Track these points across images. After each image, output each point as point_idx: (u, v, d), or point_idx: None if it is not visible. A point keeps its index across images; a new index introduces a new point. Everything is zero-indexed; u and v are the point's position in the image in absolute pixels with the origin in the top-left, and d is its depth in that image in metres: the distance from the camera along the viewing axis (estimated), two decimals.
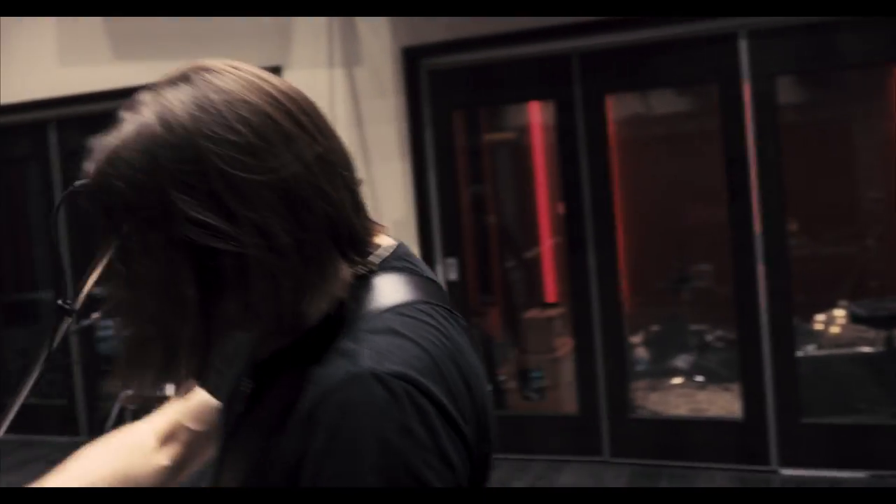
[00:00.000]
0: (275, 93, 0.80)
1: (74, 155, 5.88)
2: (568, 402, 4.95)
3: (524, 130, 5.71)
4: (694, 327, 5.83)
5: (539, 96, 4.85)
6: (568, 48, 4.60)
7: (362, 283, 0.82)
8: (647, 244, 5.67)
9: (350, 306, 0.80)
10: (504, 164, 5.80)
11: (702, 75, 4.48)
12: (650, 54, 4.49)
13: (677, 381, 5.51)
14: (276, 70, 5.07)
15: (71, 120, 5.80)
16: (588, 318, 4.72)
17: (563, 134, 4.71)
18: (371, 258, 0.85)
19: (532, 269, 5.77)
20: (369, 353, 0.74)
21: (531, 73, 4.74)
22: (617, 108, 4.87)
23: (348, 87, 5.05)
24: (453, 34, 4.75)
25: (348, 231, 0.80)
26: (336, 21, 5.01)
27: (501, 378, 5.40)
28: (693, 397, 5.36)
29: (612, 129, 4.71)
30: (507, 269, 5.64)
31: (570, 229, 4.75)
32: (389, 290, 0.81)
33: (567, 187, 4.73)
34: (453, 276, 4.98)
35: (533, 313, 5.54)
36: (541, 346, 5.33)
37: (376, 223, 0.91)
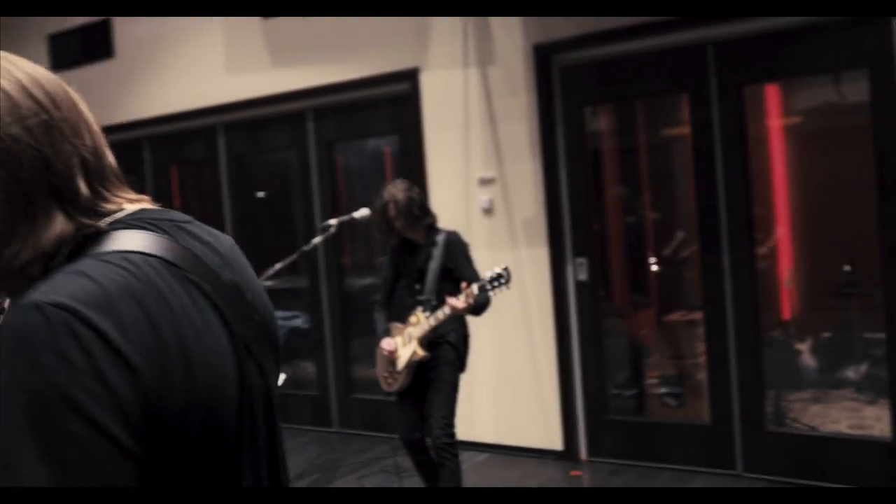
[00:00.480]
0: (15, 72, 0.88)
1: (241, 157, 6.34)
2: (704, 410, 4.71)
3: (665, 126, 5.48)
4: (868, 335, 5.36)
5: (672, 90, 4.64)
6: (702, 38, 4.38)
7: (91, 239, 0.89)
8: (815, 245, 5.27)
9: (65, 258, 0.87)
10: (652, 162, 5.59)
11: (849, 62, 4.11)
12: (791, 41, 4.18)
13: (844, 392, 5.09)
14: (414, 71, 5.22)
15: (236, 124, 6.26)
16: (722, 323, 4.48)
17: (698, 129, 4.48)
18: (107, 218, 0.91)
19: (677, 271, 5.53)
20: (43, 289, 0.80)
21: (664, 65, 4.56)
22: (754, 100, 4.57)
23: (482, 86, 5.09)
24: (583, 29, 4.66)
25: (70, 190, 0.88)
26: (471, 21, 5.06)
27: (647, 382, 5.23)
28: (859, 412, 4.93)
29: (751, 122, 4.43)
30: (646, 270, 5.44)
31: (705, 229, 4.52)
32: (107, 243, 0.87)
33: (701, 185, 4.51)
34: (583, 276, 4.88)
35: (675, 316, 5.31)
36: (682, 350, 5.12)
37: (130, 191, 0.99)
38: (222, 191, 6.39)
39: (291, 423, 6.11)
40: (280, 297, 6.48)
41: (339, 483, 4.78)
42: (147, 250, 0.88)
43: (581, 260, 4.89)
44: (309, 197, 5.88)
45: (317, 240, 3.79)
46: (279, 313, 6.63)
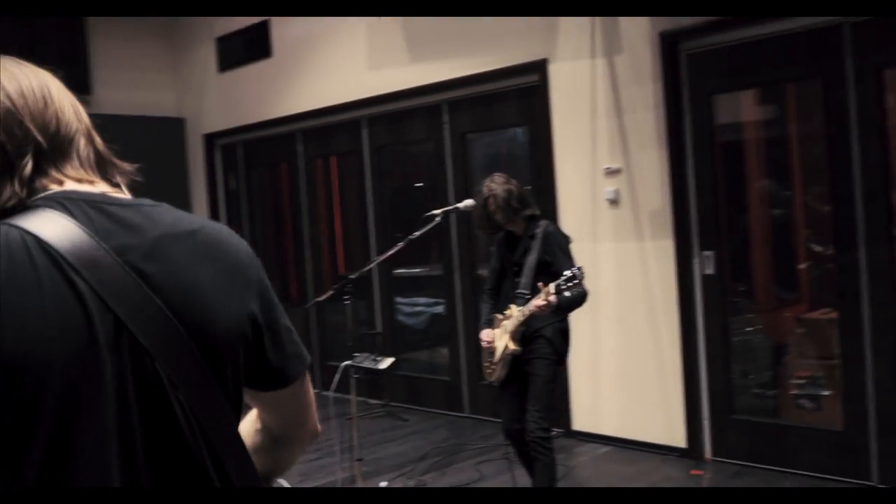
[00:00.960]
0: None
1: (382, 148, 6.58)
2: (838, 414, 4.43)
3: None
4: None
5: (804, 75, 4.38)
6: (837, 18, 4.11)
7: (10, 210, 1.01)
8: None
9: None
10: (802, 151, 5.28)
11: None
12: None
13: None
14: (542, 62, 5.22)
15: (378, 117, 6.51)
16: (857, 323, 4.20)
17: (832, 115, 4.21)
18: (39, 194, 1.03)
19: (819, 266, 5.21)
20: None
21: (796, 48, 4.31)
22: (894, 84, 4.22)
23: (608, 75, 5.02)
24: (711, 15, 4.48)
25: (19, 168, 1.02)
26: None
27: (782, 382, 4.98)
28: None
29: (893, 107, 4.11)
30: (783, 265, 5.16)
31: (838, 222, 4.24)
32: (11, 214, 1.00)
33: (835, 175, 4.23)
34: (710, 270, 4.72)
35: (816, 313, 5.01)
36: (819, 350, 4.83)
37: (90, 173, 1.09)
38: (366, 181, 6.67)
39: (425, 406, 6.31)
40: (419, 285, 6.69)
41: (456, 466, 4.91)
42: (19, 225, 0.97)
43: (708, 253, 4.73)
44: (444, 187, 6.03)
45: (421, 231, 3.90)
46: (421, 300, 6.85)
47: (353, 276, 3.93)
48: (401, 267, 6.82)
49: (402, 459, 5.10)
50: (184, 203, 8.19)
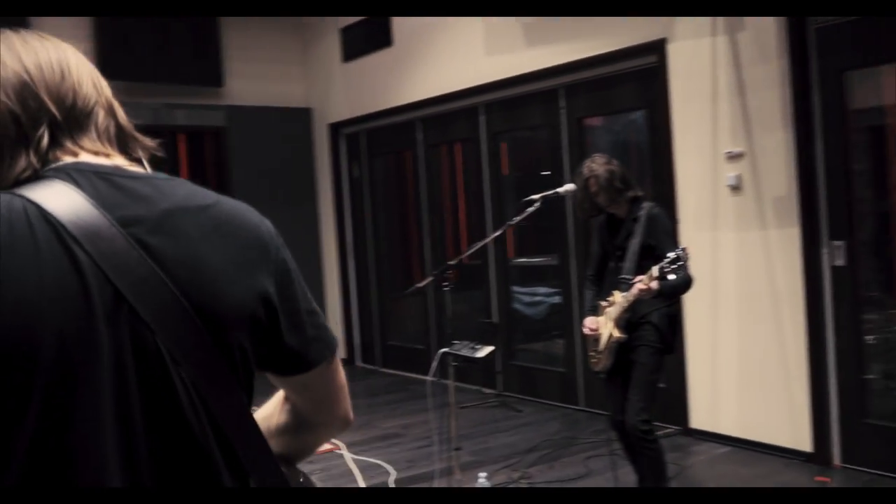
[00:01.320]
0: (19, 49, 1.05)
1: (499, 135, 6.50)
2: None
3: None
4: None
5: None
6: None
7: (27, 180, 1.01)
8: None
9: None
10: None
11: None
12: None
13: None
14: (661, 42, 4.99)
15: (495, 103, 6.43)
16: None
17: None
18: (51, 165, 1.02)
19: None
20: None
21: None
22: None
23: (730, 53, 4.73)
24: None
25: (35, 139, 1.02)
26: None
27: None
28: None
29: None
30: None
31: None
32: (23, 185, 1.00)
33: None
34: (840, 261, 4.37)
35: None
36: None
37: (106, 146, 1.08)
38: (483, 168, 6.61)
39: (540, 397, 6.20)
40: (539, 275, 6.58)
41: (564, 460, 4.79)
42: (22, 194, 0.97)
43: (838, 243, 4.37)
44: (560, 173, 5.88)
45: (519, 217, 3.80)
46: (541, 290, 6.73)
47: (452, 263, 3.88)
48: (523, 256, 6.73)
49: (509, 451, 5.02)
50: (310, 192, 8.41)
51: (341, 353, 8.27)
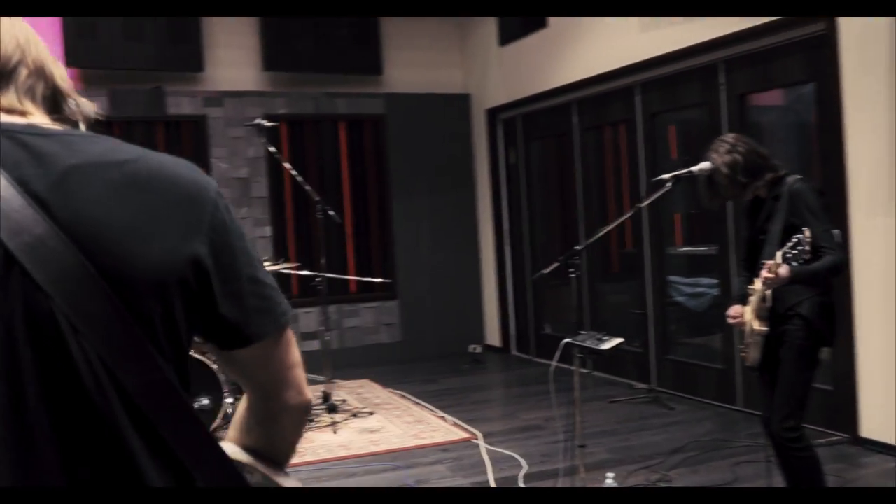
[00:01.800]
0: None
1: (655, 116, 6.15)
2: None
3: None
4: None
5: None
6: None
7: None
8: None
9: None
10: None
11: None
12: None
13: None
14: None
15: (651, 82, 6.07)
16: None
17: None
18: None
19: None
20: None
21: None
22: None
23: None
24: None
25: None
26: None
27: None
28: None
29: None
30: None
31: None
32: None
33: None
34: None
35: None
36: None
37: (26, 105, 1.01)
38: (638, 151, 6.27)
39: (694, 394, 5.82)
40: (703, 265, 6.17)
41: (712, 464, 4.43)
42: None
43: None
44: None
45: (649, 199, 3.52)
46: (704, 281, 6.31)
47: (579, 248, 3.67)
48: (690, 244, 6.35)
49: (653, 451, 4.73)
50: (467, 179, 8.37)
51: (496, 340, 8.18)
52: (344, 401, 6.18)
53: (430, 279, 8.20)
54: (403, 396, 6.34)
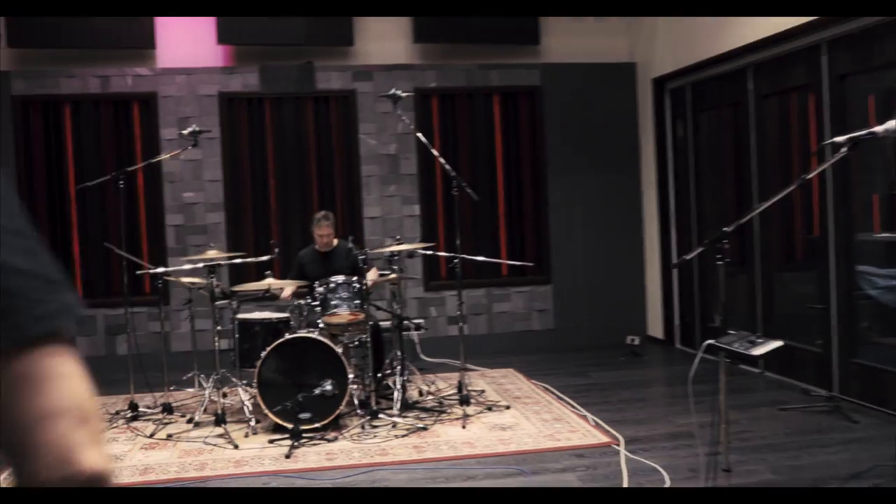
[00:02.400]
0: None
1: (844, 78, 5.27)
2: None
3: None
4: None
5: None
6: None
7: None
8: None
9: None
10: None
11: None
12: None
13: None
14: None
15: (841, 39, 5.18)
16: None
17: None
18: None
19: None
20: None
21: None
22: None
23: None
24: None
25: None
26: None
27: None
28: None
29: None
30: None
31: None
32: None
33: None
34: None
35: None
36: None
37: None
38: (824, 120, 5.40)
39: (884, 406, 4.94)
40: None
41: None
42: None
43: None
44: None
45: (819, 168, 2.83)
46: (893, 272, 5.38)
47: (728, 230, 3.04)
48: (886, 230, 5.43)
49: (825, 473, 3.98)
50: (630, 154, 7.70)
51: (658, 331, 7.50)
52: (482, 391, 5.78)
53: (588, 263, 7.64)
54: (546, 389, 5.85)
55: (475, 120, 7.58)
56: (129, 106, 7.14)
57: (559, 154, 7.59)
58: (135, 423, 5.17)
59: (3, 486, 0.73)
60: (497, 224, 7.64)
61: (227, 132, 7.18)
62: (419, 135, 5.66)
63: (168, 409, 5.23)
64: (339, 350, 4.91)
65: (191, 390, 5.65)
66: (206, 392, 5.19)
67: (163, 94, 7.08)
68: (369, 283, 5.31)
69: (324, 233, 5.72)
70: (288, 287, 5.60)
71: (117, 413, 5.39)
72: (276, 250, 5.16)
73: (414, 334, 7.18)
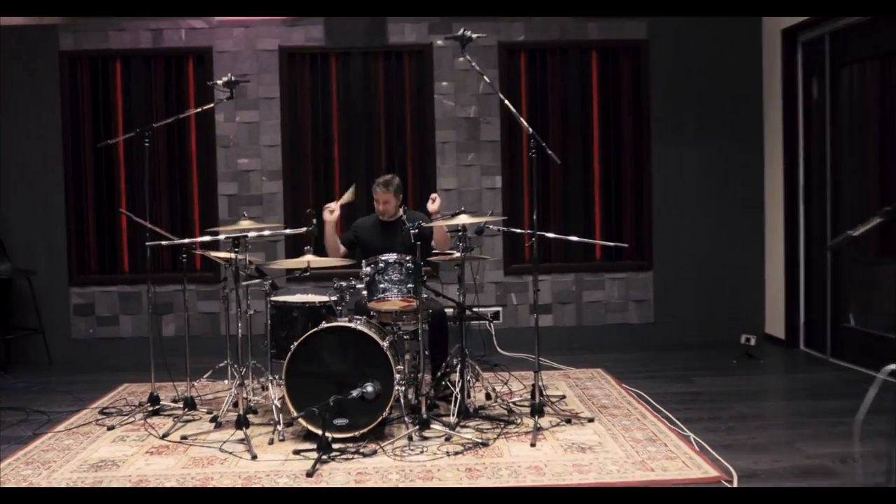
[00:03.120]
0: None
1: None
2: None
3: None
4: None
5: None
6: None
7: None
8: None
9: None
10: None
11: None
12: None
13: None
14: None
15: None
16: None
17: None
18: None
19: None
20: None
21: None
22: None
23: None
24: None
25: None
26: None
27: None
28: None
29: None
30: None
31: None
32: None
33: None
34: None
35: None
36: None
37: None
38: None
39: None
40: None
41: None
42: None
43: None
44: None
45: None
46: None
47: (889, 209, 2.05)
48: None
49: None
50: (752, 119, 6.56)
51: (778, 330, 6.37)
52: (561, 397, 4.84)
53: (696, 246, 6.57)
54: (640, 398, 4.86)
55: (568, 79, 6.57)
56: (182, 62, 6.48)
57: (666, 120, 6.52)
58: (155, 420, 4.48)
59: None
60: (591, 199, 6.64)
61: (287, 91, 6.43)
62: (500, 95, 4.72)
63: (190, 404, 4.51)
64: (385, 344, 4.06)
65: (226, 382, 4.92)
66: (232, 387, 4.44)
67: (218, 48, 6.39)
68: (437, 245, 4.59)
69: (380, 199, 4.90)
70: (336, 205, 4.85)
71: (140, 405, 4.72)
72: (315, 221, 4.31)
73: (489, 323, 6.29)
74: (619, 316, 6.59)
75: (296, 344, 4.03)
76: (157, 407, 4.59)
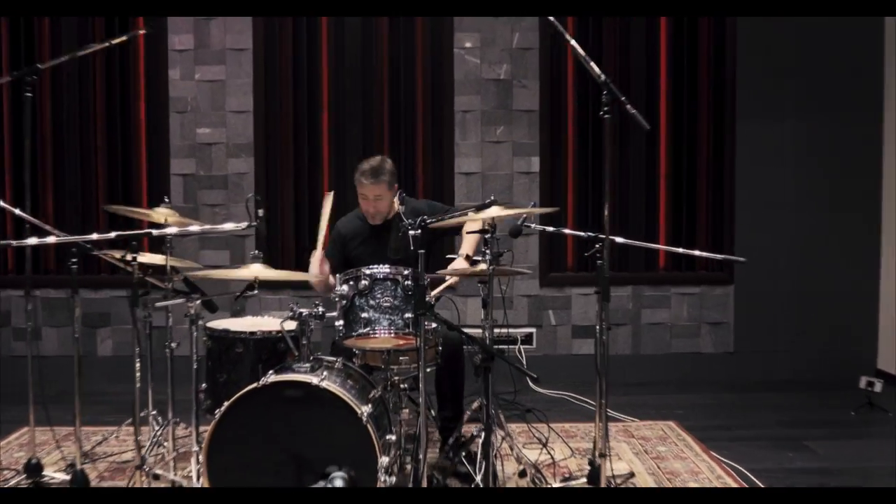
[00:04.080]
0: None
1: None
2: None
3: None
4: None
5: None
6: None
7: None
8: None
9: None
10: None
11: None
12: None
13: None
14: None
15: None
16: None
17: None
18: None
19: None
20: None
21: None
22: None
23: None
24: None
25: None
26: None
27: None
28: None
29: None
30: None
31: None
32: None
33: None
34: None
35: None
36: None
37: None
38: None
39: None
40: None
41: None
42: None
43: None
44: None
45: None
46: None
47: None
48: None
49: None
50: (867, 98, 5.09)
51: (890, 365, 4.86)
52: (630, 476, 3.35)
53: (791, 255, 5.10)
54: (740, 475, 3.37)
55: (631, 41, 5.07)
56: None
57: (754, 91, 5.06)
58: None
59: None
60: (655, 191, 5.14)
61: (262, 41, 4.98)
62: (553, 21, 3.23)
63: (80, 479, 3.00)
64: (365, 411, 2.58)
65: (146, 437, 3.43)
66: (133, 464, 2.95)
67: None
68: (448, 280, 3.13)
69: (368, 194, 3.41)
70: (316, 262, 3.34)
71: (17, 472, 3.26)
72: (260, 213, 2.76)
73: (520, 352, 4.84)
74: (689, 343, 5.10)
75: (224, 407, 2.57)
76: (36, 479, 3.12)
